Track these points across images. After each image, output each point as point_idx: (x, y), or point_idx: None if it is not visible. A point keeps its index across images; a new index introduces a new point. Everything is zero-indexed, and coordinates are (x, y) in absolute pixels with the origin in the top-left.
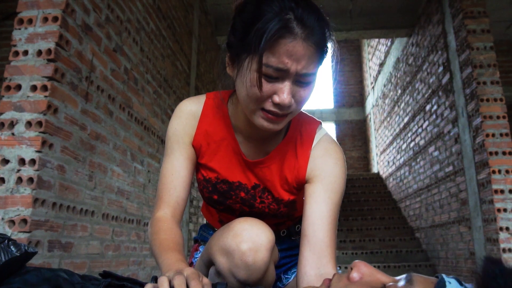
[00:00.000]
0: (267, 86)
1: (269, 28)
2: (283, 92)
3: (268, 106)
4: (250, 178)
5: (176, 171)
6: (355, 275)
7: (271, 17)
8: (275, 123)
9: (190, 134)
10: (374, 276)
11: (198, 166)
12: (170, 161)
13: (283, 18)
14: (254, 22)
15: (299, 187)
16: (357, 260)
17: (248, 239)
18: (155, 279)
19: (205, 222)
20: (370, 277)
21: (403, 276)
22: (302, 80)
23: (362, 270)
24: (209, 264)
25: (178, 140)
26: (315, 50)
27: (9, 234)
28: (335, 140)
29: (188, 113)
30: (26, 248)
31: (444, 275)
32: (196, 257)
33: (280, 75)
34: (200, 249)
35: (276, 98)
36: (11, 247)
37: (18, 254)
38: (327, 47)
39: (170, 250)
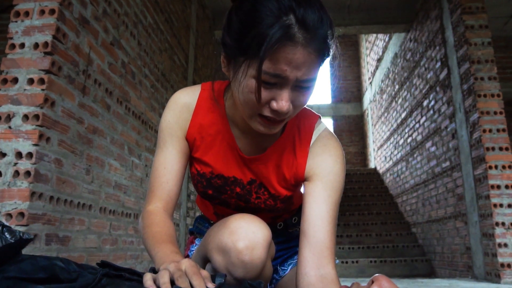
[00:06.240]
0: (264, 93)
1: (270, 36)
2: (282, 99)
3: (266, 112)
4: (246, 174)
5: (169, 165)
6: None
7: (271, 21)
8: (272, 128)
9: (183, 127)
10: None
11: (191, 160)
12: (162, 154)
13: (284, 24)
14: (252, 24)
15: (296, 184)
16: (378, 274)
17: (245, 237)
18: (153, 270)
19: (200, 213)
20: None
21: None
22: (302, 85)
23: (384, 286)
24: (206, 259)
25: (171, 133)
26: (316, 55)
27: None
28: (334, 135)
29: (182, 105)
30: (21, 234)
31: None
32: (192, 250)
33: (279, 81)
34: (196, 241)
35: (274, 105)
36: (6, 233)
37: (13, 241)
38: (329, 49)
39: (163, 242)
